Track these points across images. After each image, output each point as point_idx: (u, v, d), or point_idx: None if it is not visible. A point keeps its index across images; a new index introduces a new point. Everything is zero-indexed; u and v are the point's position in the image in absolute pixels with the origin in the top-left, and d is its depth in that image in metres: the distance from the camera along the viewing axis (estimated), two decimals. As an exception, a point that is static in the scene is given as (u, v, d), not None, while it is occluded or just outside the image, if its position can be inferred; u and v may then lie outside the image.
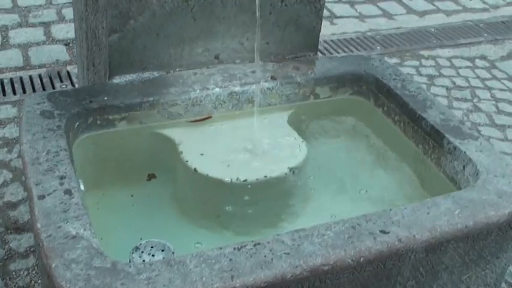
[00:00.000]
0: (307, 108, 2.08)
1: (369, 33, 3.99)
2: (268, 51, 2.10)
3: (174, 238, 1.67)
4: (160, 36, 1.94)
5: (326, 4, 4.24)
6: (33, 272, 2.13)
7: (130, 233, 1.77)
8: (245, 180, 1.77)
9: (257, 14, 1.89)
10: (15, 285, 2.08)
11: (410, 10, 4.38)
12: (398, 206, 1.54)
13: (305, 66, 2.11)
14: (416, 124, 1.91)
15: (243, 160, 1.86)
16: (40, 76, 3.23)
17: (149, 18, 1.90)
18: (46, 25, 3.73)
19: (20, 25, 3.71)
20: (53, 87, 3.13)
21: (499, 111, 3.26)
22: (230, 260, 1.33)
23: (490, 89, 3.47)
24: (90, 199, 1.79)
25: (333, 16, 4.19)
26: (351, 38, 3.90)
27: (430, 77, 3.53)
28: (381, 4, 4.42)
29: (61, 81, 3.19)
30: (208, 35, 2.00)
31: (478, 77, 3.58)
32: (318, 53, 3.39)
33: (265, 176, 1.80)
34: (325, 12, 4.16)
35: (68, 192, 1.49)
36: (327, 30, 3.95)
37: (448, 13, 4.38)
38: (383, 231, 1.44)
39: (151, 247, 1.53)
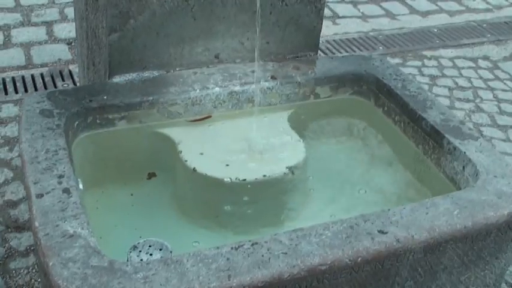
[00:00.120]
0: (307, 108, 2.08)
1: (371, 33, 3.99)
2: (268, 50, 2.10)
3: (173, 237, 1.67)
4: (160, 35, 1.94)
5: (329, 4, 4.26)
6: (33, 270, 2.13)
7: (130, 232, 1.77)
8: (244, 180, 1.77)
9: (257, 14, 1.89)
10: (15, 284, 2.08)
11: (413, 10, 4.37)
12: (397, 206, 1.53)
13: (305, 66, 2.10)
14: (417, 124, 1.91)
15: (242, 160, 1.86)
16: (42, 75, 3.23)
17: (149, 18, 1.90)
18: (48, 24, 3.74)
19: (22, 24, 3.71)
20: (55, 86, 3.13)
21: (501, 112, 3.25)
22: (227, 259, 1.33)
23: (492, 89, 3.46)
24: (90, 198, 1.80)
25: (335, 16, 4.19)
26: (354, 38, 3.90)
27: (433, 78, 3.52)
28: (383, 4, 4.41)
29: (63, 80, 3.19)
30: (208, 35, 2.00)
31: (480, 77, 3.58)
32: (320, 53, 3.39)
33: (264, 176, 1.79)
34: (328, 12, 4.17)
35: (66, 191, 1.49)
36: (329, 30, 3.95)
37: (451, 13, 4.37)
38: (381, 232, 1.43)
39: (149, 246, 1.53)
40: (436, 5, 4.48)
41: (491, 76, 3.59)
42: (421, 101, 1.96)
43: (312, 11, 2.09)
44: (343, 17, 4.20)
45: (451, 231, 1.47)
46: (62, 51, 3.48)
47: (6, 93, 3.06)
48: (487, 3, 4.57)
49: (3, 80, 3.16)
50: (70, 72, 3.27)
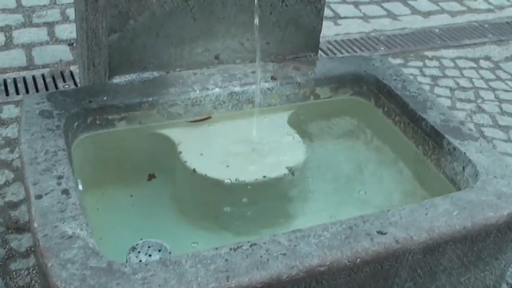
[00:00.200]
0: (307, 108, 2.07)
1: (373, 34, 3.98)
2: (268, 51, 2.10)
3: (172, 238, 1.67)
4: (160, 36, 1.94)
5: (330, 4, 4.26)
6: (34, 271, 2.13)
7: (130, 233, 1.77)
8: (244, 181, 1.77)
9: (255, 14, 1.89)
10: (15, 285, 2.08)
11: (414, 11, 4.37)
12: (397, 207, 1.53)
13: (305, 67, 2.10)
14: (417, 125, 1.91)
15: (242, 160, 1.86)
16: (43, 76, 3.23)
17: (149, 18, 1.90)
18: (50, 25, 3.74)
19: (23, 25, 3.72)
20: (56, 87, 3.13)
21: (503, 112, 3.25)
22: (226, 260, 1.33)
23: (494, 90, 3.46)
24: (90, 199, 1.80)
25: (337, 16, 4.18)
26: (355, 39, 3.89)
27: (434, 78, 3.52)
28: (385, 5, 4.40)
29: (64, 81, 3.19)
30: (208, 35, 2.00)
31: (482, 77, 3.57)
32: (322, 53, 3.39)
33: (264, 177, 1.79)
34: (330, 13, 4.17)
35: (65, 192, 1.49)
36: (331, 30, 3.95)
37: (452, 14, 4.37)
38: (380, 232, 1.43)
39: (148, 247, 1.53)
40: (438, 5, 4.47)
41: (492, 76, 3.59)
42: (421, 102, 1.95)
43: (312, 12, 2.09)
44: (345, 17, 4.20)
45: (451, 232, 1.47)
46: (63, 52, 3.48)
47: (7, 94, 3.06)
48: (489, 3, 4.57)
49: (5, 81, 3.16)
50: (71, 73, 3.27)
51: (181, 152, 1.85)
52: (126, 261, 1.50)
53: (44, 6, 3.94)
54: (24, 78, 3.20)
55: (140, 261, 1.49)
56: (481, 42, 3.96)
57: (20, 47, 3.50)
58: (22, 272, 2.13)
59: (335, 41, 3.84)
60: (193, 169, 1.79)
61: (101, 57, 1.97)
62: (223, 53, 2.05)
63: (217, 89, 1.96)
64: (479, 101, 3.34)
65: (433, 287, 1.56)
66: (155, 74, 1.99)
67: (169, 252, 1.51)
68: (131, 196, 1.92)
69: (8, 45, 3.52)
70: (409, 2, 4.48)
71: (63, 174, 1.55)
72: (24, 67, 3.32)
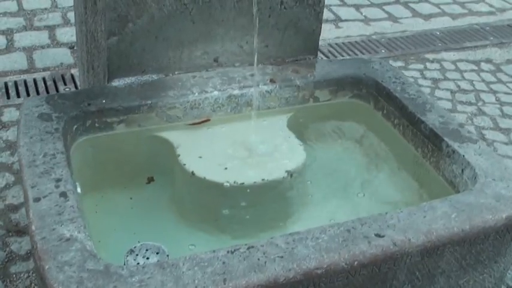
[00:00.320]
0: (306, 111, 2.07)
1: (374, 37, 3.98)
2: (267, 54, 2.10)
3: (171, 241, 1.67)
4: (159, 39, 1.94)
5: (331, 7, 4.26)
6: (34, 274, 2.13)
7: (129, 235, 1.77)
8: (243, 184, 1.77)
9: (254, 16, 1.89)
10: (15, 288, 2.08)
11: (416, 13, 4.37)
12: (395, 209, 1.53)
13: (305, 69, 2.10)
14: (416, 127, 1.91)
15: (241, 163, 1.86)
16: (44, 79, 3.23)
17: (148, 21, 1.90)
18: (51, 28, 3.75)
19: (25, 28, 3.72)
20: (57, 91, 3.13)
21: (504, 115, 3.24)
22: (223, 263, 1.33)
23: (494, 92, 3.45)
24: (89, 202, 1.80)
25: (338, 19, 4.18)
26: (356, 41, 3.89)
27: (435, 81, 3.51)
28: (386, 7, 4.40)
29: (65, 84, 3.19)
30: (207, 38, 2.00)
31: (483, 80, 3.56)
32: (323, 56, 3.39)
33: (263, 180, 1.79)
34: (331, 15, 4.17)
35: (63, 194, 1.49)
36: (331, 33, 3.94)
37: (453, 16, 4.36)
38: (378, 235, 1.43)
39: (146, 250, 1.53)
40: (439, 8, 4.47)
41: (493, 79, 3.58)
42: (420, 104, 1.95)
43: (311, 14, 2.09)
44: (346, 20, 4.20)
45: (449, 234, 1.47)
46: (64, 55, 3.48)
47: (8, 97, 3.07)
48: (490, 6, 4.56)
49: (6, 84, 3.17)
50: (72, 76, 3.27)
51: (180, 155, 1.85)
52: (124, 264, 1.50)
53: (45, 9, 3.95)
54: (25, 82, 3.20)
55: (138, 263, 1.49)
56: (482, 45, 3.95)
57: (21, 50, 3.51)
58: (22, 275, 2.13)
59: (336, 43, 3.84)
60: (192, 172, 1.79)
61: (100, 60, 1.97)
62: (222, 56, 2.06)
63: (216, 92, 1.97)
64: (480, 103, 3.33)
65: (432, 289, 1.56)
66: (154, 77, 1.99)
67: (167, 255, 1.51)
68: (130, 199, 1.92)
69: (9, 48, 3.52)
70: (410, 4, 4.48)
71: (62, 177, 1.55)
72: (25, 70, 3.33)
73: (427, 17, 4.33)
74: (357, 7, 4.38)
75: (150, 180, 1.97)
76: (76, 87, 3.16)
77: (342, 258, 1.37)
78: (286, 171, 1.82)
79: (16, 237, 2.27)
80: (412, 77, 3.49)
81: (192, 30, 1.96)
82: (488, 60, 3.78)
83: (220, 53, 2.05)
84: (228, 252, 1.35)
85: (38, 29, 3.74)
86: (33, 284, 2.10)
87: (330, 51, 3.71)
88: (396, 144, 1.98)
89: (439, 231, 1.46)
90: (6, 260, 2.18)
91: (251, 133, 1.96)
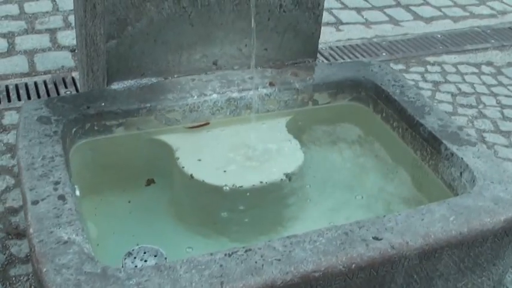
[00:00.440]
0: (305, 114, 2.07)
1: (374, 40, 3.98)
2: (266, 57, 2.10)
3: (169, 244, 1.67)
4: (158, 42, 1.94)
5: (332, 10, 4.27)
6: (33, 277, 2.13)
7: (128, 238, 1.77)
8: (241, 187, 1.77)
9: (252, 20, 1.89)
10: (14, 291, 2.09)
11: (417, 16, 4.37)
12: (393, 212, 1.53)
13: (304, 72, 2.10)
14: (415, 130, 1.91)
15: (240, 166, 1.86)
16: (45, 82, 3.24)
17: (147, 25, 1.90)
18: (52, 32, 3.75)
19: (26, 32, 3.73)
20: (58, 94, 3.13)
21: (504, 118, 3.24)
22: (220, 266, 1.33)
23: (495, 95, 3.45)
24: (88, 205, 1.80)
25: (339, 22, 4.18)
26: (357, 44, 3.89)
27: (436, 83, 3.51)
28: (387, 10, 4.40)
29: (66, 87, 3.20)
30: (206, 41, 2.00)
31: (484, 83, 3.56)
32: (323, 59, 3.39)
33: (262, 182, 1.79)
34: (332, 19, 4.17)
35: (61, 197, 1.49)
36: (332, 36, 3.95)
37: (455, 19, 4.36)
38: (376, 238, 1.43)
39: (144, 252, 1.53)
40: (440, 11, 4.47)
41: (494, 82, 3.58)
42: (419, 107, 1.95)
43: (310, 18, 2.09)
44: (347, 23, 4.20)
45: (447, 237, 1.47)
46: (65, 59, 3.49)
47: (9, 101, 3.07)
48: (491, 8, 4.56)
49: (7, 87, 3.17)
50: (73, 79, 3.27)
51: (179, 158, 1.85)
52: (122, 267, 1.50)
53: (47, 12, 3.96)
54: (26, 85, 3.20)
55: (136, 266, 1.49)
56: (483, 48, 3.95)
57: (23, 53, 3.52)
58: (22, 278, 2.13)
59: (337, 46, 3.84)
60: (191, 175, 1.80)
61: (99, 64, 1.97)
62: (221, 59, 2.06)
63: (215, 95, 1.97)
64: (480, 106, 3.33)
65: (430, 292, 1.56)
66: (153, 80, 1.99)
67: (165, 258, 1.51)
68: (129, 202, 1.92)
69: (11, 51, 3.53)
70: (411, 7, 4.48)
71: (60, 180, 1.55)
72: (26, 73, 3.33)
73: (428, 20, 4.33)
74: (358, 10, 4.38)
75: (149, 183, 1.97)
76: (77, 90, 3.17)
77: (339, 261, 1.37)
78: (285, 175, 1.83)
79: (16, 240, 2.27)
80: (413, 79, 3.48)
81: (191, 33, 1.97)
82: (489, 63, 3.78)
83: (220, 56, 2.05)
84: (225, 255, 1.35)
85: (39, 32, 3.74)
86: (32, 287, 2.10)
87: (330, 55, 3.71)
88: (395, 147, 1.98)
89: (437, 234, 1.46)
90: (6, 262, 2.18)
91: (250, 136, 1.96)
